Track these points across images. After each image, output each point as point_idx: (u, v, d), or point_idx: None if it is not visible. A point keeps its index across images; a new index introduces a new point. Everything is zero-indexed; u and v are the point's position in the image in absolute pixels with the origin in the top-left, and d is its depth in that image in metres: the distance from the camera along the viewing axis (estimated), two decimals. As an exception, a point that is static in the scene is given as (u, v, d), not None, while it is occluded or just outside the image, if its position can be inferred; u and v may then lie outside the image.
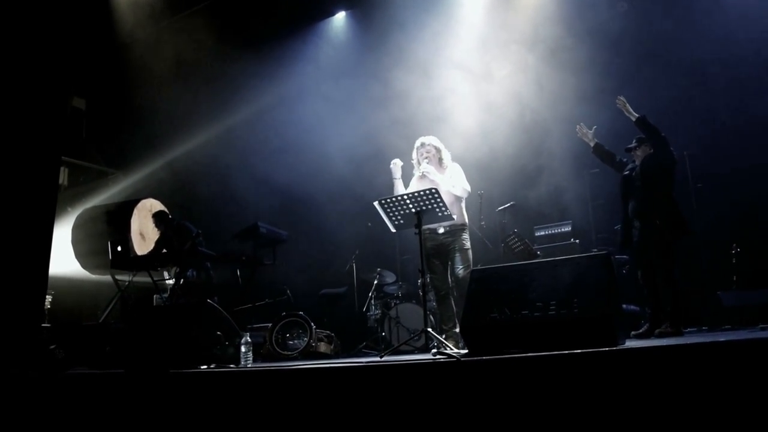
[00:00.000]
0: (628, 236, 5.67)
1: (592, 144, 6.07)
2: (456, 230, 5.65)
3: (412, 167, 5.93)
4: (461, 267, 5.57)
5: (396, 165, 5.76)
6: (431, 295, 6.69)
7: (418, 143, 5.88)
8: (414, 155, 5.90)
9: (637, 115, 5.53)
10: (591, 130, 6.07)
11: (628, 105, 5.59)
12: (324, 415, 3.50)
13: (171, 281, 8.12)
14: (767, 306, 5.88)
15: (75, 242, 9.96)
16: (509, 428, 2.97)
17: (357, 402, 3.43)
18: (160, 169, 10.76)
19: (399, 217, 5.04)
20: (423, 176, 5.75)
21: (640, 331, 5.43)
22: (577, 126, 6.15)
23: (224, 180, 10.28)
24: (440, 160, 5.83)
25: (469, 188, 5.79)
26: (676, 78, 7.37)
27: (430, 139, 5.86)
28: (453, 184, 5.67)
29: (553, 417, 2.88)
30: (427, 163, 5.73)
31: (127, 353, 5.21)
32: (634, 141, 5.72)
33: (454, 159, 5.97)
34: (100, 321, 8.38)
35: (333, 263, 9.28)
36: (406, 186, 5.84)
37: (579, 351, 3.00)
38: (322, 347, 6.67)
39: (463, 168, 5.91)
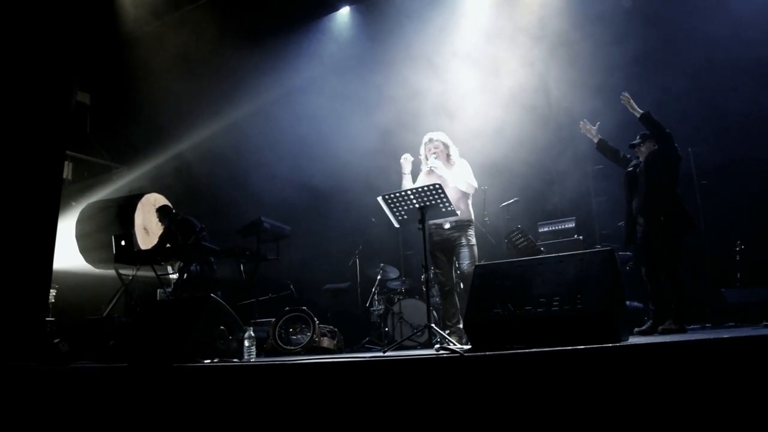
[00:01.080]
0: (632, 233, 5.65)
1: (595, 140, 6.05)
2: (462, 226, 5.65)
3: (420, 162, 5.92)
4: (467, 263, 5.56)
5: (406, 160, 5.73)
6: (434, 291, 6.70)
7: (426, 138, 5.87)
8: (422, 150, 5.89)
9: (641, 111, 5.50)
10: (594, 126, 6.05)
11: (632, 101, 5.57)
12: (327, 410, 3.50)
13: (174, 276, 8.15)
14: (771, 303, 5.88)
15: (79, 236, 9.99)
16: (512, 424, 2.97)
17: (360, 397, 3.43)
18: (165, 163, 10.76)
19: (402, 213, 5.03)
20: (431, 171, 5.75)
21: (644, 327, 5.42)
22: (581, 122, 6.13)
23: (228, 175, 10.30)
24: (448, 155, 5.82)
25: (475, 184, 5.77)
26: (681, 74, 7.34)
27: (438, 135, 5.85)
28: (460, 180, 5.67)
29: (556, 413, 2.88)
30: (435, 158, 5.72)
31: (131, 347, 5.22)
32: (638, 137, 5.70)
33: (459, 154, 5.96)
34: (104, 315, 8.38)
35: (336, 258, 9.29)
36: (415, 181, 5.83)
37: (582, 347, 3.00)
38: (325, 342, 6.68)
39: (468, 163, 5.90)
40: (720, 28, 7.11)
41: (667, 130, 5.44)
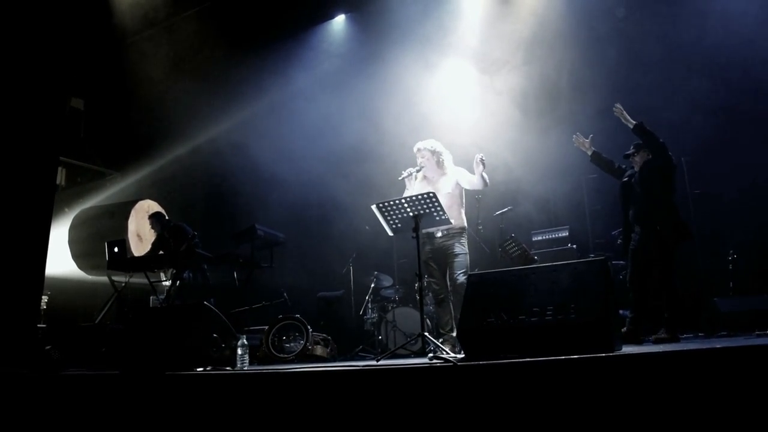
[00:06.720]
0: (629, 242, 5.67)
1: (589, 152, 6.06)
2: (454, 234, 5.65)
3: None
4: (458, 271, 5.55)
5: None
6: (428, 299, 6.69)
7: (414, 149, 5.88)
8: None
9: (634, 122, 5.52)
10: (588, 138, 6.07)
11: (625, 112, 5.59)
12: (320, 419, 3.49)
13: (167, 283, 8.12)
14: (763, 312, 5.88)
15: (72, 243, 9.96)
16: (505, 433, 2.96)
17: (353, 405, 3.42)
18: (158, 170, 10.74)
19: (397, 221, 5.03)
20: (424, 179, 5.78)
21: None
22: (574, 136, 6.15)
23: (222, 182, 10.29)
24: (438, 162, 5.81)
25: (483, 180, 5.67)
26: (675, 84, 7.38)
27: (425, 144, 5.85)
28: (455, 186, 5.68)
29: (549, 423, 2.88)
30: (418, 169, 5.74)
31: (123, 354, 5.20)
32: (632, 147, 5.72)
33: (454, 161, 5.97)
34: (96, 322, 8.35)
35: (330, 266, 9.27)
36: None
37: (575, 356, 3.00)
38: (319, 350, 6.65)
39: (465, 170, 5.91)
40: (716, 38, 7.16)
41: (661, 140, 5.46)
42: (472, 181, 5.68)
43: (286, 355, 6.51)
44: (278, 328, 6.73)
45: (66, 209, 10.62)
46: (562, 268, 3.81)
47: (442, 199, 5.09)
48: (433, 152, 5.81)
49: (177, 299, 7.46)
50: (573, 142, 6.16)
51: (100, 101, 11.40)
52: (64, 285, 9.67)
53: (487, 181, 5.66)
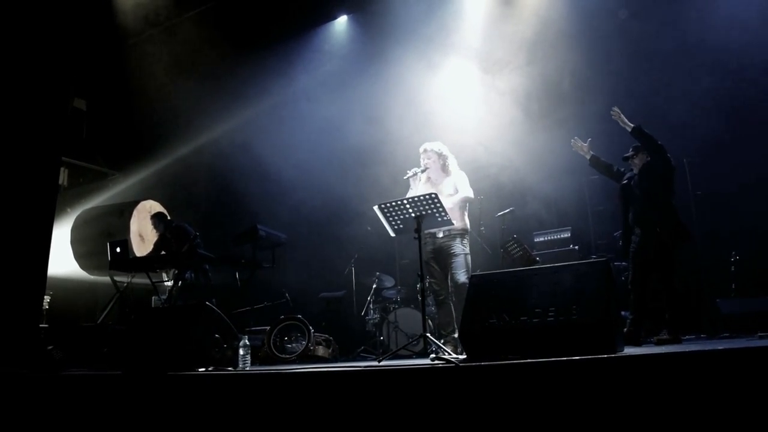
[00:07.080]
0: (629, 245, 5.66)
1: (588, 156, 6.06)
2: (455, 235, 5.64)
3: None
4: (459, 272, 5.55)
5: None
6: (430, 300, 6.69)
7: (421, 149, 5.88)
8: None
9: (632, 125, 5.52)
10: (586, 142, 6.07)
11: (622, 115, 5.59)
12: (321, 420, 3.49)
13: (169, 283, 8.12)
14: (765, 314, 5.88)
15: (74, 243, 9.96)
16: (507, 434, 2.96)
17: (355, 406, 3.42)
18: (161, 170, 10.75)
19: (399, 222, 5.03)
20: (428, 181, 5.77)
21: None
22: (572, 140, 6.14)
23: (225, 182, 10.29)
24: (443, 165, 5.81)
25: (470, 194, 5.75)
26: (677, 85, 7.37)
27: (432, 145, 5.85)
28: (455, 190, 5.66)
29: (552, 424, 2.87)
30: (422, 170, 5.73)
31: (125, 355, 5.20)
32: (630, 149, 5.71)
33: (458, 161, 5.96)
34: (98, 322, 8.37)
35: (332, 267, 9.27)
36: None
37: (578, 358, 3.00)
38: (320, 351, 6.66)
39: (465, 174, 5.90)
40: (719, 38, 7.15)
41: (659, 142, 5.45)
42: (461, 192, 5.70)
43: (287, 356, 6.52)
44: (280, 329, 6.73)
45: (68, 209, 10.63)
46: (564, 269, 3.81)
47: (445, 201, 5.09)
48: (440, 155, 5.81)
49: (179, 299, 7.46)
50: (571, 146, 6.16)
51: (103, 102, 11.43)
52: (66, 285, 9.68)
53: (469, 195, 5.73)
